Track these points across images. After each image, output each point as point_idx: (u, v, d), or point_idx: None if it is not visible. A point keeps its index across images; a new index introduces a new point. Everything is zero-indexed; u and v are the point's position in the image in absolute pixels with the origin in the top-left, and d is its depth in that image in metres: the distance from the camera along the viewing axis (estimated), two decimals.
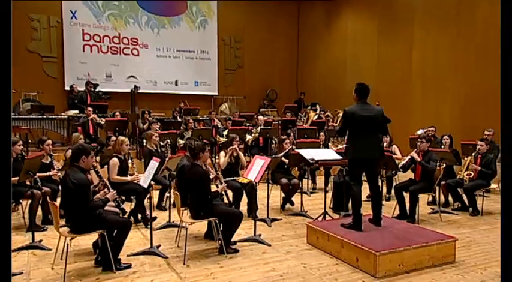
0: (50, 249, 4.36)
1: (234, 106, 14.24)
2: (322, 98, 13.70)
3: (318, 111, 12.71)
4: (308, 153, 5.07)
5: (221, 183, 4.51)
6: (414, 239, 4.06)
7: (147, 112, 9.40)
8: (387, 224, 4.62)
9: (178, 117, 10.15)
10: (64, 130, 9.81)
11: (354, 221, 4.42)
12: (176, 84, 13.50)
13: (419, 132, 9.10)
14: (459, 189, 6.39)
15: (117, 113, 9.16)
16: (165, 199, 6.26)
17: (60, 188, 5.14)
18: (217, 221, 4.24)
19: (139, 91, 10.80)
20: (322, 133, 8.16)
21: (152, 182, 5.84)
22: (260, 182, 4.86)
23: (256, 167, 4.68)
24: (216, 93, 14.18)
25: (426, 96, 11.19)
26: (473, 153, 6.39)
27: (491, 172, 6.22)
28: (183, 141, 8.48)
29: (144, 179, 4.18)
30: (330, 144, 8.37)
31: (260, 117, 9.45)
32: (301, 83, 15.66)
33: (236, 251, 4.32)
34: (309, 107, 13.77)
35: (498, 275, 3.79)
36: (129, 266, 3.86)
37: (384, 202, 6.82)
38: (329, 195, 6.61)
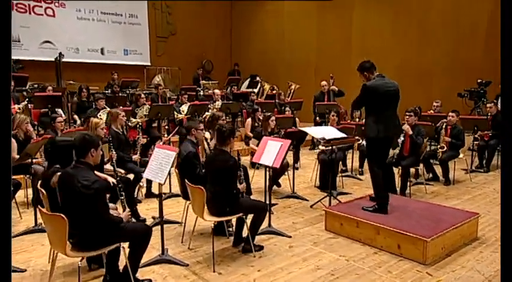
0: (24, 271, 3.33)
1: (168, 78, 13.06)
2: (260, 70, 13.26)
3: (260, 83, 12.32)
4: (317, 132, 4.63)
5: (240, 182, 3.82)
6: (446, 219, 3.94)
7: (84, 89, 7.92)
8: (402, 204, 4.47)
9: (119, 92, 8.84)
10: None
11: (380, 204, 4.16)
12: (102, 53, 11.85)
13: None
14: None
15: (49, 88, 7.57)
16: (137, 190, 5.34)
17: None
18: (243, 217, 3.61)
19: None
20: (287, 108, 7.75)
21: (122, 171, 5.02)
22: None
23: (271, 151, 4.11)
24: (149, 64, 12.81)
25: None
26: (444, 125, 6.59)
27: (461, 143, 6.51)
28: (136, 120, 7.42)
29: (155, 173, 3.33)
30: (296, 119, 8.04)
31: (217, 91, 8.68)
32: (236, 54, 14.96)
33: (261, 247, 3.78)
34: (249, 79, 13.30)
35: None
36: None
37: (360, 177, 6.86)
38: (299, 172, 6.35)
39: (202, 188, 3.29)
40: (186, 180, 3.52)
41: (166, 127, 8.63)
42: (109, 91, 9.12)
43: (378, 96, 4.10)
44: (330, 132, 4.74)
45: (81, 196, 2.56)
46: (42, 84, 8.50)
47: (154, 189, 5.58)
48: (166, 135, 7.91)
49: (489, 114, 7.44)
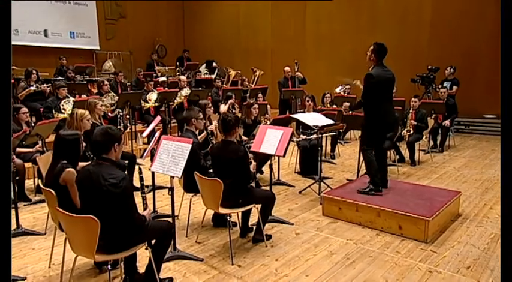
0: (24, 279, 3.03)
1: (120, 63, 12.37)
2: (215, 56, 13.02)
3: (217, 68, 12.14)
4: (309, 119, 4.67)
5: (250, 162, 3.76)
6: (437, 199, 4.21)
7: (34, 72, 7.25)
8: (391, 186, 4.68)
9: (74, 78, 8.19)
10: None
11: (374, 185, 4.33)
12: (46, 35, 10.83)
13: (338, 89, 9.52)
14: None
15: None
16: None
17: None
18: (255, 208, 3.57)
19: None
20: (260, 95, 7.71)
21: None
22: None
23: (271, 139, 4.07)
24: (98, 48, 11.99)
25: (319, 55, 11.57)
26: (410, 110, 7.00)
27: (424, 125, 6.97)
28: (117, 110, 6.94)
29: (167, 166, 3.15)
30: (268, 106, 8.03)
31: (182, 77, 8.37)
32: (190, 38, 14.49)
33: (269, 236, 3.78)
34: (204, 65, 13.01)
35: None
36: (171, 281, 2.97)
37: (333, 161, 7.08)
38: (276, 158, 6.40)
39: (219, 180, 3.19)
40: (196, 173, 3.38)
41: (128, 116, 8.20)
42: (58, 77, 8.39)
43: (381, 84, 4.22)
44: (319, 118, 4.80)
45: (109, 195, 2.36)
46: None
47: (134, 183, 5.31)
48: (129, 124, 7.51)
49: (445, 99, 8.00)
